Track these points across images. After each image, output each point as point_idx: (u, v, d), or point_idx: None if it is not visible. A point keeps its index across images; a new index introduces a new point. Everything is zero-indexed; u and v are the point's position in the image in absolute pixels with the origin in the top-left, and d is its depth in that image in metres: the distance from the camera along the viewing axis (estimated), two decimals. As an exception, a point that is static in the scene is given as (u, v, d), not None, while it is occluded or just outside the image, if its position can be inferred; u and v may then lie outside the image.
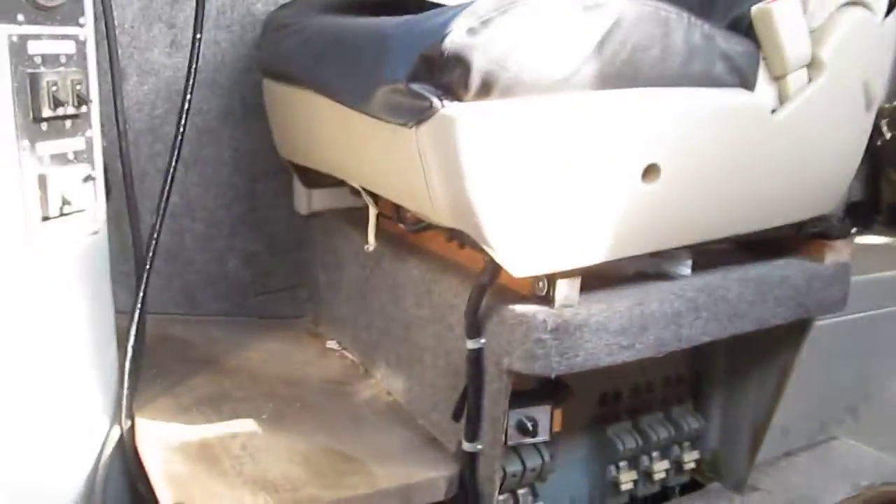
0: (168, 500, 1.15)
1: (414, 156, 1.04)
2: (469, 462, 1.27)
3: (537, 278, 1.15)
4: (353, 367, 1.60)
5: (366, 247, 1.40)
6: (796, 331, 1.47)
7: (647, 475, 1.61)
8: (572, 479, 1.58)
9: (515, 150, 1.01)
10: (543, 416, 1.28)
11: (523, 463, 1.38)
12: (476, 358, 1.21)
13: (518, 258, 1.07)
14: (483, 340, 1.20)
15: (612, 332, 1.15)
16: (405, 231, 1.40)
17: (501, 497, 1.40)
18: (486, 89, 0.98)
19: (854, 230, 2.30)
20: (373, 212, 1.38)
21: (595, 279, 1.19)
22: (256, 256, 1.74)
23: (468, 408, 1.24)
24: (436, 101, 0.98)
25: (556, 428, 1.48)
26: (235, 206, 1.70)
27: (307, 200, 1.69)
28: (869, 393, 1.92)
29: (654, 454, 1.61)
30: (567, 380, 1.42)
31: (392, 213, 1.39)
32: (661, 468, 1.61)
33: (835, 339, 1.82)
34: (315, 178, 1.60)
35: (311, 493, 1.16)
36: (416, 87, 0.99)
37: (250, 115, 1.64)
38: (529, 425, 1.25)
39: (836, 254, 1.39)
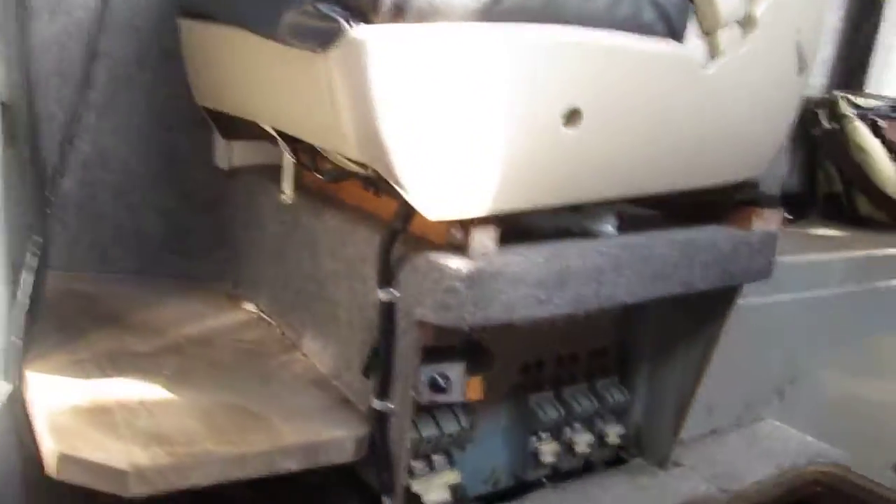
0: (52, 453, 1.07)
1: (323, 84, 0.99)
2: (379, 421, 1.21)
3: (452, 226, 1.10)
4: (270, 330, 1.53)
5: (281, 197, 1.34)
6: (721, 304, 1.44)
7: (569, 448, 1.57)
8: (493, 449, 1.53)
9: (429, 80, 0.95)
10: (457, 374, 1.22)
11: (439, 427, 1.33)
12: (388, 310, 1.16)
13: (431, 199, 1.02)
14: (395, 292, 1.14)
15: (529, 284, 1.10)
16: (323, 183, 1.34)
17: (417, 463, 1.34)
18: (398, 12, 0.92)
19: (790, 218, 2.30)
20: (288, 160, 1.32)
21: (515, 234, 1.15)
22: (174, 213, 1.66)
23: (379, 364, 1.19)
24: (344, 22, 0.92)
25: (478, 396, 1.44)
26: (152, 158, 1.62)
27: (227, 155, 1.62)
28: (796, 376, 1.91)
29: (577, 426, 1.57)
30: (488, 345, 1.38)
31: (309, 162, 1.33)
32: (583, 441, 1.57)
33: (762, 320, 1.80)
34: (234, 129, 1.53)
35: (208, 447, 1.10)
36: (323, 7, 0.93)
37: (169, 62, 1.56)
38: (442, 382, 1.20)
39: (764, 222, 1.36)
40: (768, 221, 1.36)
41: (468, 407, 1.35)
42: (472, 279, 1.06)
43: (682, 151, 1.19)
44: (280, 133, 1.31)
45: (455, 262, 1.06)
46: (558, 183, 1.10)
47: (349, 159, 1.12)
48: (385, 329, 1.16)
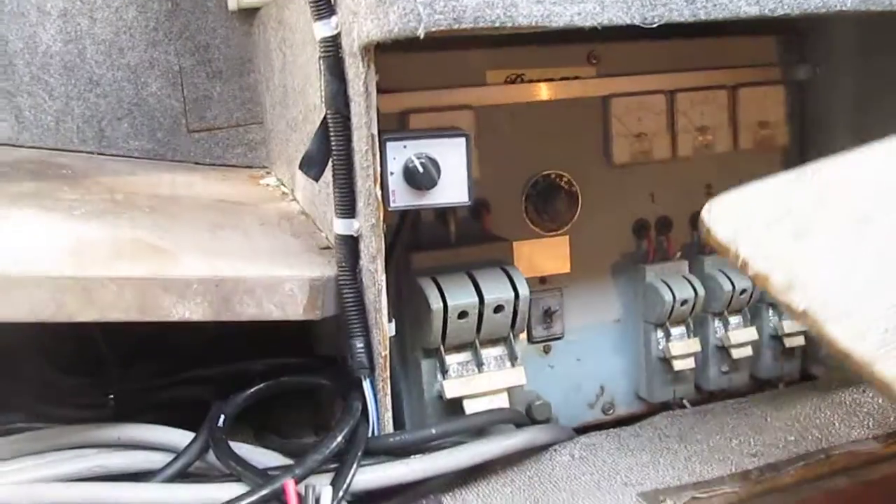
0: None
1: None
2: (346, 256, 0.75)
3: None
4: (278, 198, 1.12)
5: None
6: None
7: (722, 352, 1.02)
8: (597, 355, 1.02)
9: None
10: (453, 155, 0.72)
11: (479, 292, 0.84)
12: (330, 52, 0.70)
13: None
14: (335, 21, 0.69)
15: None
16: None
17: (452, 358, 0.87)
18: None
19: None
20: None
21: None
22: (188, 76, 1.30)
23: (332, 153, 0.73)
24: None
25: (563, 266, 0.98)
26: (151, 3, 1.28)
27: (233, -14, 1.25)
28: None
29: (732, 319, 1.02)
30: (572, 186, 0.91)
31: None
32: (743, 338, 1.01)
33: None
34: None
35: (26, 269, 0.68)
36: None
37: None
38: (419, 165, 0.70)
39: None
40: None
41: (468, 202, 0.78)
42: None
43: None
44: None
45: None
46: None
47: None
48: (330, 86, 0.71)
